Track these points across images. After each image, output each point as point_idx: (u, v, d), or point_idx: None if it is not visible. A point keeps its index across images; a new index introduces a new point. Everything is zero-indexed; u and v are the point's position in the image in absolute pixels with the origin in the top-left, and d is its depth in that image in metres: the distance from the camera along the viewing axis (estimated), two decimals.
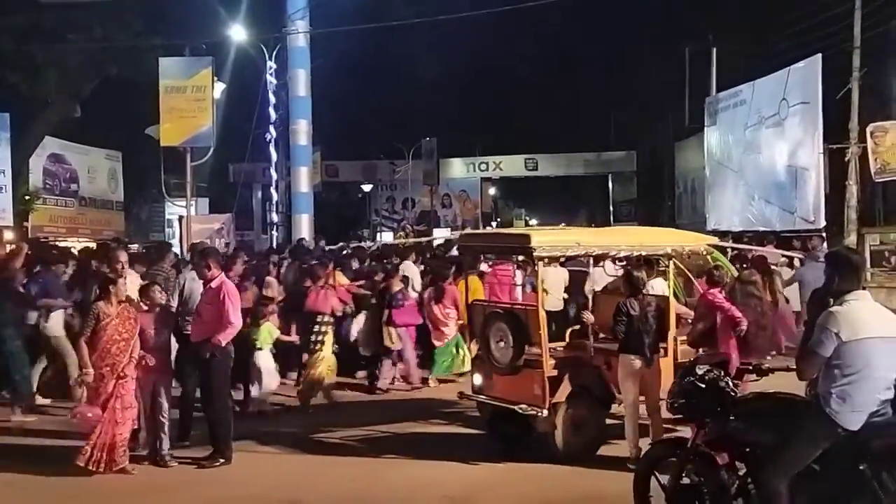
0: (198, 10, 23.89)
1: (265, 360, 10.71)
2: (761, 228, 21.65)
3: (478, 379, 9.00)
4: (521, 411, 8.20)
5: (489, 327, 8.74)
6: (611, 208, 45.69)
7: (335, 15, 24.33)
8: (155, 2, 22.85)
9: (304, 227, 23.72)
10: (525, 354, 8.41)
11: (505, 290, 12.32)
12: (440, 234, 29.59)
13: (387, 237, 37.83)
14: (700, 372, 5.89)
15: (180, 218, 23.57)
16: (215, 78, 20.25)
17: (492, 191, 51.07)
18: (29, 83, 22.53)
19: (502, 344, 8.56)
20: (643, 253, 9.09)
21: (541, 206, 60.30)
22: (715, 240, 10.87)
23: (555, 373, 8.19)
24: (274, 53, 26.66)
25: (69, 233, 27.77)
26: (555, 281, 12.65)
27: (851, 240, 18.61)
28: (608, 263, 9.73)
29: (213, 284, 8.53)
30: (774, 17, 26.19)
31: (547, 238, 8.64)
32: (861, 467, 4.86)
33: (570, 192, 53.60)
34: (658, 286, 9.54)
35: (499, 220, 51.55)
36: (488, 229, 15.14)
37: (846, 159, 20.16)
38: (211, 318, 8.42)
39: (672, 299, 8.89)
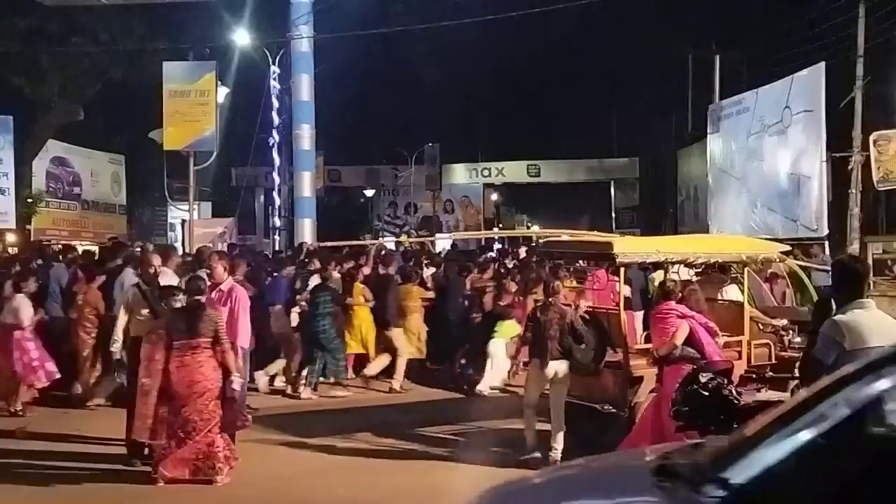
0: (201, 15, 23.94)
1: (499, 348, 12.06)
2: (764, 236, 21.66)
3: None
4: (603, 411, 8.40)
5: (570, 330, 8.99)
6: (613, 215, 45.64)
7: (339, 20, 24.36)
8: (159, 6, 22.89)
9: (306, 231, 23.72)
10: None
11: (599, 295, 12.24)
12: (441, 239, 29.61)
13: (389, 242, 37.83)
14: (703, 380, 5.89)
15: (183, 222, 23.60)
16: (219, 82, 20.28)
17: (494, 196, 51.01)
18: (33, 86, 22.60)
19: (584, 346, 8.77)
20: (718, 260, 9.40)
21: (543, 212, 60.25)
22: (786, 247, 11.00)
23: (635, 374, 8.43)
24: (277, 58, 26.67)
25: (72, 236, 27.81)
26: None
27: (854, 248, 18.62)
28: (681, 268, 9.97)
29: (224, 287, 8.58)
30: (778, 25, 26.22)
31: (629, 245, 9.18)
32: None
33: (572, 199, 53.50)
34: (731, 293, 9.70)
35: (501, 225, 51.49)
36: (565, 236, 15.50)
37: (849, 168, 20.18)
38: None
39: (747, 305, 9.17)
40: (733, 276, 9.98)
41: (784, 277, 10.39)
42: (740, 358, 8.78)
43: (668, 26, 33.63)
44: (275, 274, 13.29)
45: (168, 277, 9.49)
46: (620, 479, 4.00)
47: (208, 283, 8.58)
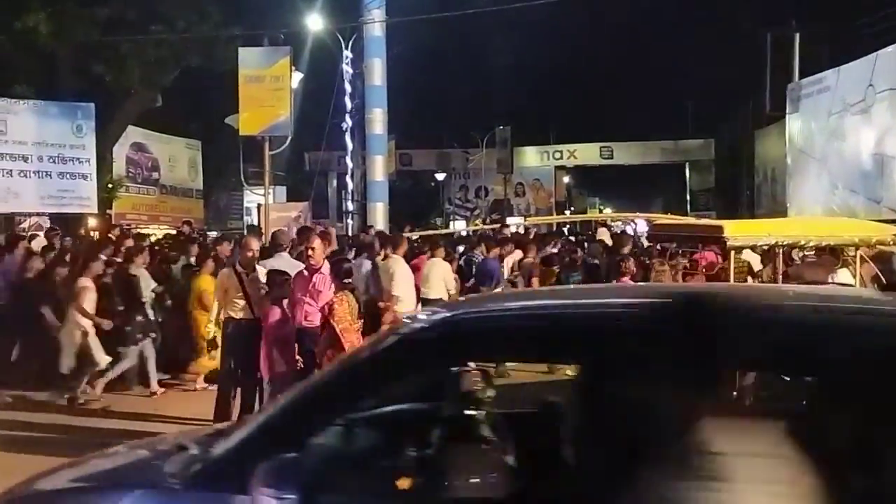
0: (276, 1, 24.18)
1: None
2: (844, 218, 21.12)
3: None
4: None
5: None
6: (688, 197, 44.99)
7: (411, 4, 24.38)
8: None
9: (378, 215, 23.87)
10: None
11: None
12: (513, 223, 29.53)
13: (460, 226, 37.87)
14: None
15: (258, 206, 23.92)
16: (293, 67, 20.43)
17: (566, 179, 50.70)
18: (113, 74, 23.04)
19: None
20: (830, 243, 9.26)
21: (616, 194, 59.79)
22: None
23: None
24: (350, 43, 26.83)
25: (150, 220, 28.46)
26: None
27: None
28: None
29: (325, 271, 8.71)
30: (860, 1, 25.46)
31: (739, 228, 9.09)
32: None
33: (645, 181, 52.96)
34: (842, 276, 9.58)
35: (572, 208, 51.18)
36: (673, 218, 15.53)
37: None
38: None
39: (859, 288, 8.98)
40: (845, 258, 9.79)
41: (868, 262, 10.13)
42: None
43: (746, 3, 32.95)
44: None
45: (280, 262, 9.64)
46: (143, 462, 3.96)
47: (301, 269, 8.76)
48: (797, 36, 27.32)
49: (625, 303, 3.65)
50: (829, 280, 9.41)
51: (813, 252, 9.74)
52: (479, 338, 3.38)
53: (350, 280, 8.50)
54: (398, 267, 11.24)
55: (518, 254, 14.22)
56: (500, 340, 3.38)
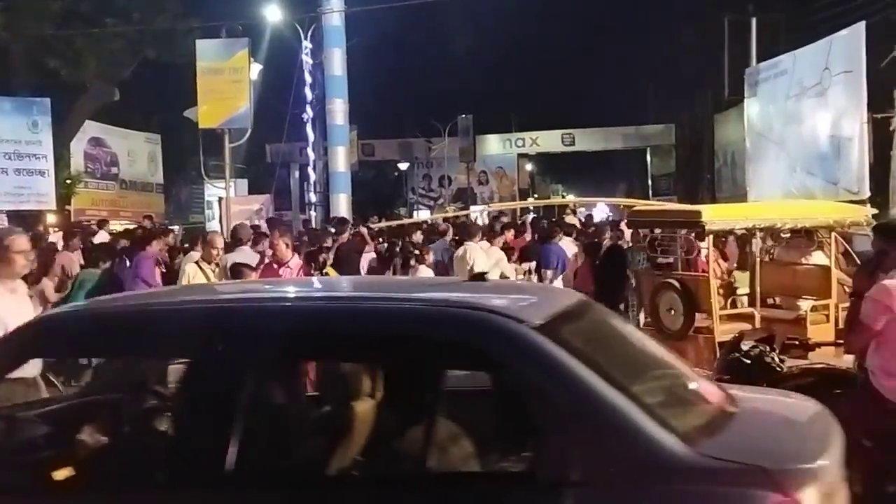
0: None
1: None
2: (803, 200, 21.36)
3: None
4: None
5: (659, 296, 9.14)
6: (649, 182, 45.28)
7: None
8: None
9: (341, 206, 23.78)
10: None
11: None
12: (476, 211, 29.55)
13: (423, 215, 37.85)
14: (745, 348, 5.86)
15: (220, 199, 23.76)
16: (251, 59, 20.29)
17: (529, 167, 50.78)
18: (69, 68, 22.79)
19: (672, 312, 8.91)
20: (806, 225, 9.49)
21: (578, 181, 59.99)
22: (873, 210, 11.04)
23: (724, 339, 8.40)
24: (309, 33, 26.67)
25: (110, 216, 28.12)
26: None
27: (871, 210, 18.33)
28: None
29: (293, 265, 8.69)
30: None
31: (717, 212, 9.35)
32: None
33: (607, 167, 53.18)
34: (817, 258, 9.74)
35: (536, 195, 51.32)
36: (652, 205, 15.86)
37: (891, 129, 19.81)
38: None
39: (834, 269, 9.23)
40: (820, 240, 9.98)
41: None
42: (828, 321, 8.89)
43: None
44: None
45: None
46: None
47: (269, 262, 8.73)
48: (754, 20, 27.55)
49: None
50: (804, 261, 9.60)
51: (788, 235, 9.94)
52: (70, 334, 3.73)
53: (326, 272, 8.57)
54: (473, 253, 11.88)
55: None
56: (92, 337, 3.73)
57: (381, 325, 3.49)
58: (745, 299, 9.95)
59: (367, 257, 11.99)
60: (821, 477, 3.06)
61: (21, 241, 5.67)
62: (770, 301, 9.67)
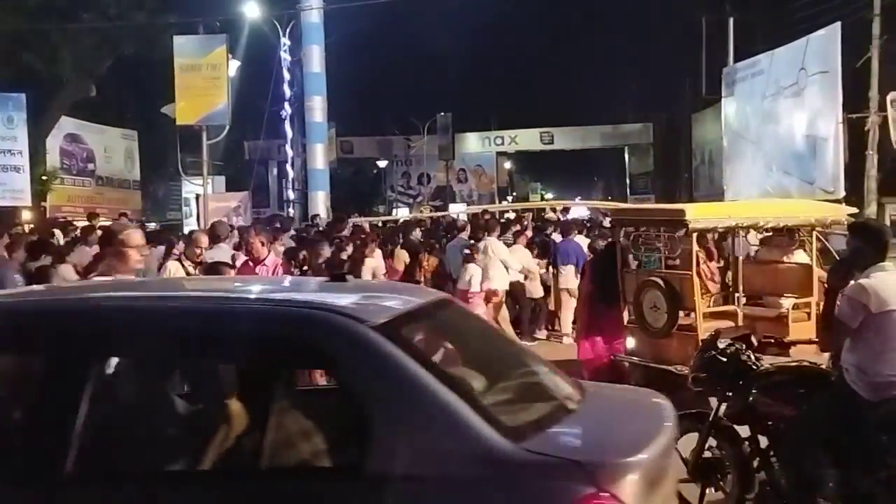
0: None
1: None
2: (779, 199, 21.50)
3: (631, 342, 9.49)
4: (677, 371, 8.43)
5: (643, 294, 9.20)
6: (627, 181, 45.48)
7: None
8: None
9: (320, 203, 23.74)
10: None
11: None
12: (456, 210, 29.57)
13: (402, 213, 37.83)
14: (722, 345, 5.89)
15: (197, 196, 23.63)
16: (230, 56, 20.20)
17: (507, 165, 50.88)
18: (44, 63, 22.58)
19: (656, 310, 9.01)
20: (788, 224, 9.50)
21: (557, 179, 60.26)
22: (852, 210, 11.17)
23: (707, 336, 8.43)
24: (288, 30, 26.58)
25: (87, 212, 27.92)
26: None
27: (871, 210, 18.48)
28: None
29: (269, 263, 8.74)
30: None
31: (701, 211, 9.40)
32: (885, 440, 4.83)
33: (586, 166, 53.45)
34: (798, 256, 9.82)
35: (514, 194, 51.42)
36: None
37: (866, 129, 19.97)
38: None
39: (815, 267, 9.27)
40: (801, 239, 10.06)
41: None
42: (809, 318, 8.97)
43: None
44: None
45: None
46: None
47: (246, 260, 8.71)
48: (731, 20, 27.71)
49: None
50: (786, 260, 9.67)
51: (771, 233, 10.01)
52: None
53: (308, 268, 8.58)
54: (495, 247, 12.43)
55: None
56: None
57: (222, 325, 3.61)
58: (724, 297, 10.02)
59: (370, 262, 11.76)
60: (637, 470, 3.17)
61: (136, 236, 5.50)
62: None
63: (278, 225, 15.66)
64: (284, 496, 3.22)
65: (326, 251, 11.70)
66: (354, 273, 10.66)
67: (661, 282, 9.14)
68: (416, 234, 15.97)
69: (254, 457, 3.47)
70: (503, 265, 12.45)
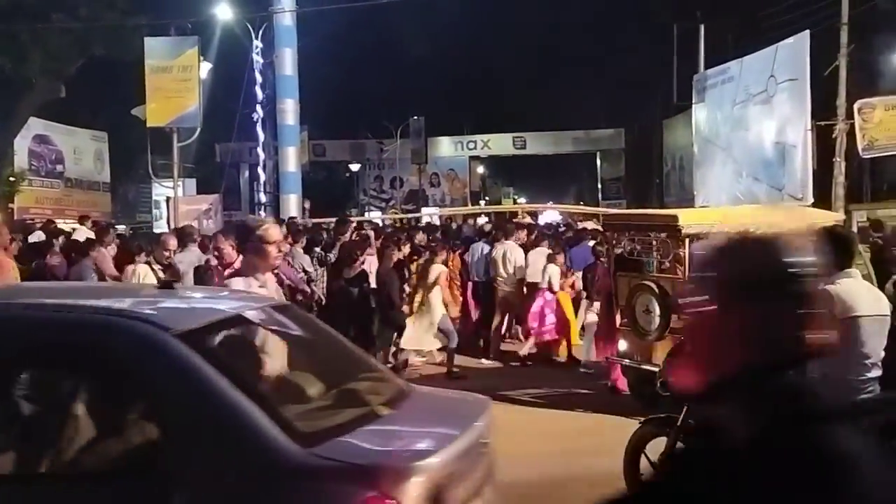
0: None
1: None
2: (749, 205, 21.65)
3: (623, 345, 9.69)
4: None
5: (636, 297, 9.43)
6: (599, 186, 45.67)
7: None
8: None
9: (291, 206, 23.65)
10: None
11: None
12: (428, 213, 29.58)
13: (375, 217, 37.79)
14: None
15: (167, 199, 23.47)
16: (201, 58, 20.10)
17: (480, 169, 50.92)
18: (13, 64, 22.35)
19: (648, 313, 9.24)
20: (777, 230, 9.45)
21: (530, 184, 60.33)
22: (841, 216, 11.29)
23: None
24: (260, 32, 26.49)
25: (55, 214, 27.62)
26: None
27: (839, 216, 18.64)
28: None
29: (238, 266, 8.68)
30: None
31: (693, 217, 9.73)
32: None
33: (558, 171, 53.54)
34: None
35: (487, 198, 51.48)
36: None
37: (833, 136, 20.20)
38: None
39: None
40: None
41: None
42: None
43: None
44: None
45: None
46: None
47: (216, 265, 8.71)
48: (702, 28, 27.94)
49: None
50: None
51: None
52: None
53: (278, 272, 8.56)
54: (513, 252, 13.05)
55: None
56: None
57: (27, 331, 3.75)
58: None
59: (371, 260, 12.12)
60: (422, 474, 3.29)
61: (275, 231, 5.36)
62: None
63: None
64: (80, 497, 3.37)
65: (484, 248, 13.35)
66: (423, 277, 11.47)
67: (653, 286, 9.36)
68: (420, 236, 16.02)
69: (52, 459, 3.60)
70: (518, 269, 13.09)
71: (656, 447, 5.94)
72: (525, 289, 13.09)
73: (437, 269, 11.40)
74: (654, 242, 9.84)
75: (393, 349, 11.74)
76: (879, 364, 5.02)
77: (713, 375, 1.70)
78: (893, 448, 4.00)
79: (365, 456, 3.40)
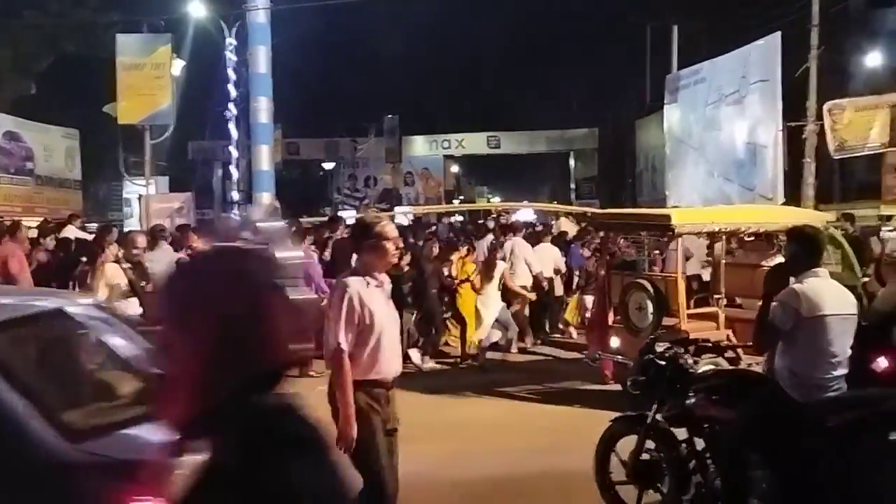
0: None
1: None
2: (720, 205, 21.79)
3: (616, 342, 9.80)
4: None
5: (629, 295, 9.54)
6: (573, 186, 45.79)
7: None
8: None
9: (265, 205, 23.53)
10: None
11: None
12: (401, 212, 29.55)
13: (349, 215, 37.67)
14: (660, 349, 5.98)
15: (139, 197, 23.29)
16: (174, 55, 19.99)
17: (454, 168, 50.92)
18: None
19: (641, 311, 9.36)
20: (768, 229, 9.88)
21: (504, 183, 60.39)
22: (828, 216, 11.47)
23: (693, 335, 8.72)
24: (234, 30, 26.32)
25: (25, 212, 27.28)
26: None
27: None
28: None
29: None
30: None
31: (685, 216, 9.78)
32: (816, 441, 4.94)
33: (532, 170, 53.64)
34: (777, 261, 10.04)
35: (461, 197, 51.48)
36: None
37: (803, 137, 20.38)
38: None
39: None
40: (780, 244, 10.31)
41: None
42: None
43: None
44: None
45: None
46: None
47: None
48: (675, 28, 28.10)
49: None
50: (764, 264, 9.94)
51: (752, 238, 10.30)
52: None
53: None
54: (520, 249, 13.60)
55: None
56: None
57: None
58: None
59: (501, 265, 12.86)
60: (185, 468, 3.36)
61: (392, 228, 5.10)
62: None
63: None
64: None
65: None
66: (487, 274, 12.11)
67: (646, 283, 9.51)
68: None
69: None
70: (526, 264, 13.50)
71: (627, 446, 5.98)
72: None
73: (501, 266, 12.14)
74: (647, 241, 10.00)
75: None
76: (846, 362, 5.08)
77: (196, 403, 1.61)
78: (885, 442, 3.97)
79: (130, 451, 3.48)
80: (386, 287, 5.08)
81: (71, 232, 15.09)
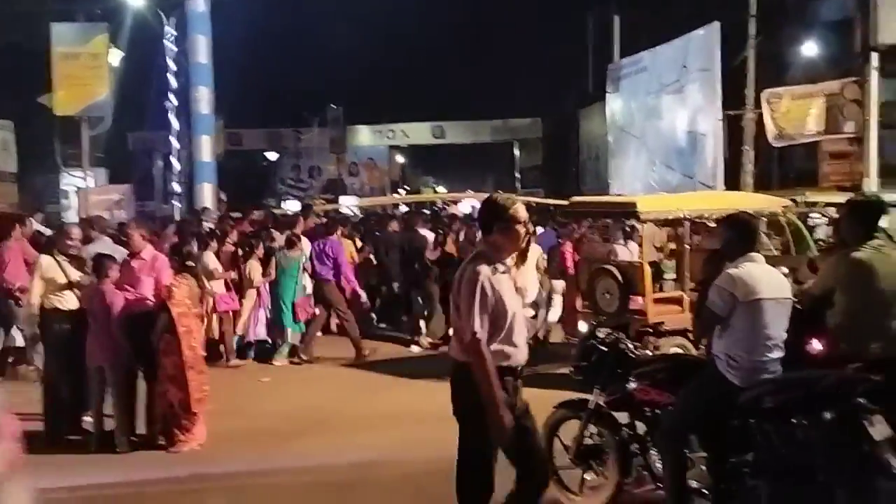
0: None
1: None
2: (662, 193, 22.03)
3: (583, 326, 9.86)
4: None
5: (597, 281, 9.89)
6: (517, 175, 45.98)
7: None
8: None
9: (206, 196, 23.21)
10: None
11: None
12: (347, 203, 29.44)
13: (292, 206, 37.44)
14: (601, 335, 6.04)
15: (77, 189, 22.90)
16: (111, 45, 19.64)
17: (400, 158, 50.87)
18: None
19: (608, 296, 9.71)
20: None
21: (449, 173, 60.44)
22: (787, 202, 11.70)
23: (656, 320, 8.76)
24: (173, 19, 25.93)
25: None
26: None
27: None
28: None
29: (146, 256, 8.56)
30: None
31: (651, 203, 10.21)
32: (752, 423, 5.03)
33: (477, 160, 53.77)
34: None
35: (407, 188, 51.43)
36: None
37: (742, 125, 20.67)
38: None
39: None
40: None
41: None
42: None
43: None
44: None
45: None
46: None
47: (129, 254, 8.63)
48: (617, 18, 28.31)
49: None
50: None
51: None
52: None
53: (193, 264, 8.54)
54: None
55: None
56: None
57: None
58: (672, 284, 10.45)
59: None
60: None
61: (524, 211, 4.80)
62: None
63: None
64: None
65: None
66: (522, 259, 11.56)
67: (614, 270, 9.83)
68: (394, 225, 15.81)
69: None
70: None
71: (569, 430, 6.04)
72: None
73: (537, 250, 11.91)
74: (611, 229, 10.27)
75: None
76: (782, 345, 5.17)
77: None
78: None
79: None
80: (511, 272, 4.85)
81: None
